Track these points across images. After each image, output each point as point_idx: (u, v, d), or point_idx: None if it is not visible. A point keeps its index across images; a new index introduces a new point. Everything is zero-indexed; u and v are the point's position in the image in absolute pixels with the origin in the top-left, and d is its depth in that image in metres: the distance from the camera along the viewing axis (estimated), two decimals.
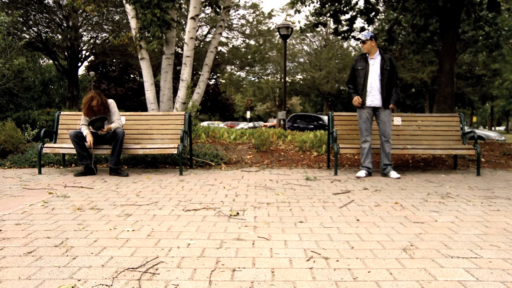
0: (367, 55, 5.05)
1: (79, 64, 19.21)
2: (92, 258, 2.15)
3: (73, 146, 5.02)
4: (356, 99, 5.02)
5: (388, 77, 4.95)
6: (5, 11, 13.69)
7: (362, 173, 5.04)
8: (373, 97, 4.98)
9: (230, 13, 21.22)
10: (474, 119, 44.75)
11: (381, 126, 5.02)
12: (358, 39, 5.32)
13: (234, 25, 25.10)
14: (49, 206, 3.35)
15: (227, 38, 25.85)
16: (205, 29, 24.91)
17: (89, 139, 4.97)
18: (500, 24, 9.52)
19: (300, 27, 12.37)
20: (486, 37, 9.86)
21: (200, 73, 9.20)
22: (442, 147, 5.33)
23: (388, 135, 5.00)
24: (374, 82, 4.96)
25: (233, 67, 29.61)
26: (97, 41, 19.37)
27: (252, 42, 26.60)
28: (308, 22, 11.76)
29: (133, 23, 7.92)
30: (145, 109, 8.20)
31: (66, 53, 18.79)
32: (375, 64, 4.98)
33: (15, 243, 2.39)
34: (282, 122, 13.63)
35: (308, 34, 31.48)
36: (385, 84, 4.94)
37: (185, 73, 7.86)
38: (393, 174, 4.96)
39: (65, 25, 17.54)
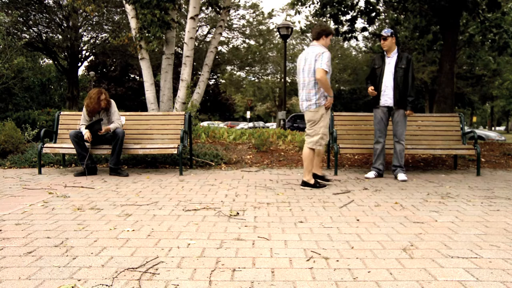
0: (385, 53, 4.88)
1: (79, 64, 19.22)
2: (92, 258, 2.15)
3: (73, 146, 5.02)
4: (370, 89, 4.86)
5: (402, 76, 4.74)
6: (5, 11, 13.69)
7: (371, 174, 4.95)
8: (387, 97, 4.81)
9: (230, 13, 21.20)
10: (474, 119, 44.74)
11: (394, 126, 4.88)
12: (380, 35, 5.02)
13: (234, 25, 25.09)
14: (49, 206, 3.35)
15: (227, 38, 25.86)
16: (205, 29, 24.92)
17: (88, 134, 4.95)
18: (504, 25, 9.50)
19: (301, 28, 12.38)
20: (492, 40, 9.84)
21: (200, 73, 9.21)
22: (442, 147, 5.33)
23: (399, 136, 4.86)
24: (388, 81, 4.80)
25: (233, 67, 29.61)
26: (97, 41, 19.37)
27: (252, 42, 26.60)
28: (308, 23, 11.76)
29: (133, 23, 7.92)
30: (145, 109, 8.20)
31: (66, 53, 18.79)
32: (391, 63, 4.81)
33: (15, 243, 2.39)
34: (282, 122, 13.61)
35: (308, 34, 31.42)
36: (399, 82, 4.74)
37: (185, 73, 7.86)
38: (400, 176, 4.79)
39: (65, 25, 17.55)
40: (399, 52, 4.87)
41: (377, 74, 4.87)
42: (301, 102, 4.42)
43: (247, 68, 29.64)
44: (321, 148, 4.33)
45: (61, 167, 5.83)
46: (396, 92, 4.78)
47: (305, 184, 4.31)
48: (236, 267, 2.03)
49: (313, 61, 4.21)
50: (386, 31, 4.84)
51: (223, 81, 35.36)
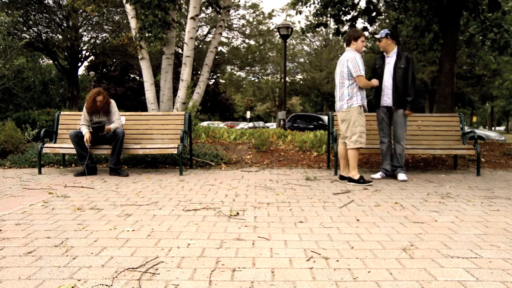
0: (384, 53, 4.89)
1: (79, 64, 19.21)
2: (92, 258, 2.15)
3: (73, 146, 5.03)
4: (374, 81, 4.75)
5: (402, 76, 4.70)
6: (5, 11, 13.69)
7: (377, 175, 4.93)
8: (386, 97, 4.81)
9: (230, 13, 21.20)
10: (474, 119, 44.74)
11: (393, 126, 4.88)
12: (375, 38, 5.09)
13: (234, 25, 25.08)
14: (49, 206, 3.35)
15: (227, 38, 25.85)
16: (205, 29, 24.91)
17: (87, 135, 4.95)
18: (505, 25, 9.49)
19: (301, 28, 12.37)
20: (493, 40, 9.83)
21: (200, 73, 9.21)
22: (442, 147, 5.33)
23: (398, 136, 4.83)
24: (387, 81, 4.79)
25: (233, 67, 29.60)
26: (97, 41, 19.36)
27: (252, 42, 26.59)
28: (309, 23, 11.76)
29: (133, 23, 7.92)
30: (145, 109, 8.20)
31: (66, 53, 18.77)
32: (390, 63, 4.81)
33: (15, 243, 2.39)
34: (282, 122, 13.61)
35: (308, 34, 31.42)
36: (398, 82, 4.71)
37: (185, 73, 7.86)
38: (400, 176, 4.78)
39: (65, 25, 17.54)
40: (399, 52, 4.84)
41: (378, 74, 4.87)
42: (336, 103, 4.68)
43: (247, 68, 29.62)
44: (362, 146, 4.51)
45: (61, 167, 5.83)
46: (394, 92, 4.76)
47: (351, 180, 4.51)
48: (236, 267, 2.03)
49: (345, 66, 4.49)
50: (381, 33, 4.87)
51: (223, 81, 35.33)
